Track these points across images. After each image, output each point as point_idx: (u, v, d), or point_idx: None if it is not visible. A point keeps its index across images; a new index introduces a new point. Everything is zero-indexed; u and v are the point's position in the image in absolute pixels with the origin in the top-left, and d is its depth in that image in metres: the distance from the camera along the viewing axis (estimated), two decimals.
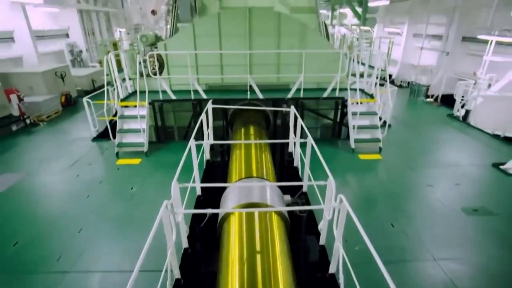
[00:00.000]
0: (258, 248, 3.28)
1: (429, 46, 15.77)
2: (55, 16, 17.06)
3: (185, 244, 3.82)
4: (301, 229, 4.46)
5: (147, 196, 5.60)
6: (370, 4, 14.82)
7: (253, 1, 8.92)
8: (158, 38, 9.20)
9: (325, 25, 9.92)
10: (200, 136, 5.99)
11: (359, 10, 14.78)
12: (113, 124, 7.66)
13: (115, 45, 12.98)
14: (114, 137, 7.34)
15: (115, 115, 8.30)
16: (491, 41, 11.42)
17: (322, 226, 3.77)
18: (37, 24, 14.90)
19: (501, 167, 6.59)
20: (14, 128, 9.43)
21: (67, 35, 17.97)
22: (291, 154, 6.45)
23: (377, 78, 7.69)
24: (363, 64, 9.26)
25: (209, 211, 3.20)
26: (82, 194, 5.69)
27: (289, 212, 4.18)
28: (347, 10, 17.87)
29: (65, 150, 7.78)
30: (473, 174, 6.42)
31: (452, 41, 13.81)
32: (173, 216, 3.10)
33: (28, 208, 5.36)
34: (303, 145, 5.13)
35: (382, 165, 6.84)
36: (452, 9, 13.51)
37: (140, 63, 7.13)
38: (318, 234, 3.98)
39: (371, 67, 8.61)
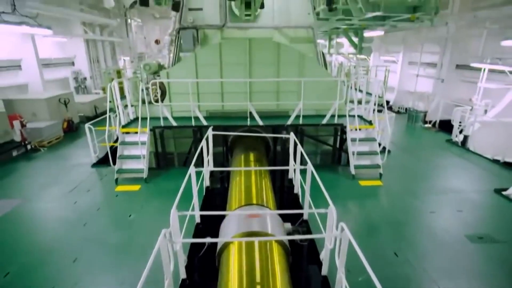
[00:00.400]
0: (258, 279, 3.18)
1: (424, 74, 16.21)
2: (62, 45, 17.69)
3: (183, 274, 3.71)
4: (303, 258, 4.34)
5: (145, 224, 5.50)
6: (366, 34, 15.47)
7: (253, 32, 9.29)
8: (161, 67, 9.49)
9: (323, 54, 10.26)
10: (200, 162, 6.00)
11: (355, 40, 15.41)
12: (113, 150, 7.70)
13: (118, 73, 13.37)
14: (114, 163, 7.34)
15: (116, 141, 8.36)
16: (484, 69, 11.76)
17: (324, 256, 3.68)
18: (45, 52, 15.42)
19: (504, 193, 6.54)
20: (14, 153, 9.46)
21: (72, 63, 18.53)
22: (291, 180, 6.43)
23: (375, 104, 7.84)
24: (360, 91, 9.49)
25: (208, 240, 3.15)
26: (79, 222, 5.59)
27: (290, 240, 4.10)
28: (344, 40, 18.55)
29: (64, 176, 7.75)
30: (475, 200, 6.35)
31: (446, 69, 14.21)
32: (171, 245, 3.04)
33: (22, 236, 5.24)
34: (303, 172, 5.13)
35: (383, 192, 6.78)
36: (444, 39, 14.04)
37: (142, 90, 7.31)
38: (320, 264, 3.87)
39: (368, 94, 8.80)
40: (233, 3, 8.42)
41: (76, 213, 5.93)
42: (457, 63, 13.99)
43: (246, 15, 8.50)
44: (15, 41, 13.10)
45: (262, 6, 8.42)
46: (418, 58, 16.20)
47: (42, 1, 13.18)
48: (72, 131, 12.03)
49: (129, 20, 23.80)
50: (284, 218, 4.52)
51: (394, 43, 18.47)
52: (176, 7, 8.49)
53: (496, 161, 8.45)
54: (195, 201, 4.62)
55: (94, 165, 8.37)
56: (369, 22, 11.65)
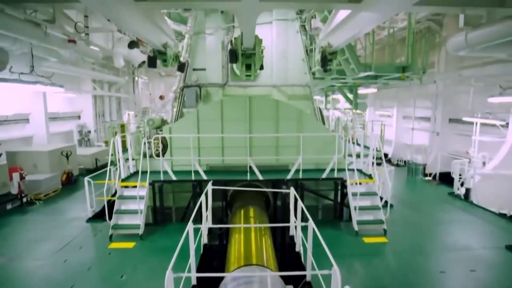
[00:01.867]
0: None
1: (420, 127, 16.63)
2: (71, 100, 18.48)
3: None
4: None
5: (138, 287, 5.13)
6: (360, 91, 16.33)
7: (253, 90, 9.82)
8: (164, 122, 9.81)
9: (320, 109, 10.70)
10: (198, 217, 5.85)
11: (351, 96, 16.20)
12: (110, 204, 7.55)
13: (122, 127, 13.74)
14: (110, 218, 7.14)
15: (113, 195, 8.24)
16: (476, 123, 12.13)
17: None
18: (53, 107, 16.05)
19: None
20: (8, 206, 9.25)
21: (78, 117, 19.18)
22: (292, 237, 6.19)
23: (373, 158, 7.91)
24: (358, 144, 9.68)
25: None
26: (66, 284, 5.22)
27: None
28: (339, 96, 19.47)
29: (57, 231, 7.47)
30: (487, 258, 6.03)
31: (440, 122, 14.63)
32: None
33: None
34: (304, 227, 4.97)
35: (389, 249, 6.48)
36: (434, 95, 14.75)
37: (144, 143, 7.44)
38: None
39: (366, 147, 8.95)
40: (234, 64, 9.05)
41: (65, 273, 5.58)
42: (449, 117, 14.48)
43: (247, 75, 9.05)
44: (27, 96, 13.75)
45: (261, 68, 9.02)
46: (411, 112, 16.80)
47: (57, 61, 14.17)
48: (70, 183, 11.94)
49: (136, 78, 25.28)
50: (286, 280, 4.25)
51: (388, 98, 19.34)
52: (181, 67, 9.12)
53: (502, 215, 8.23)
54: (192, 261, 4.39)
55: (90, 219, 8.12)
56: (362, 81, 12.39)
